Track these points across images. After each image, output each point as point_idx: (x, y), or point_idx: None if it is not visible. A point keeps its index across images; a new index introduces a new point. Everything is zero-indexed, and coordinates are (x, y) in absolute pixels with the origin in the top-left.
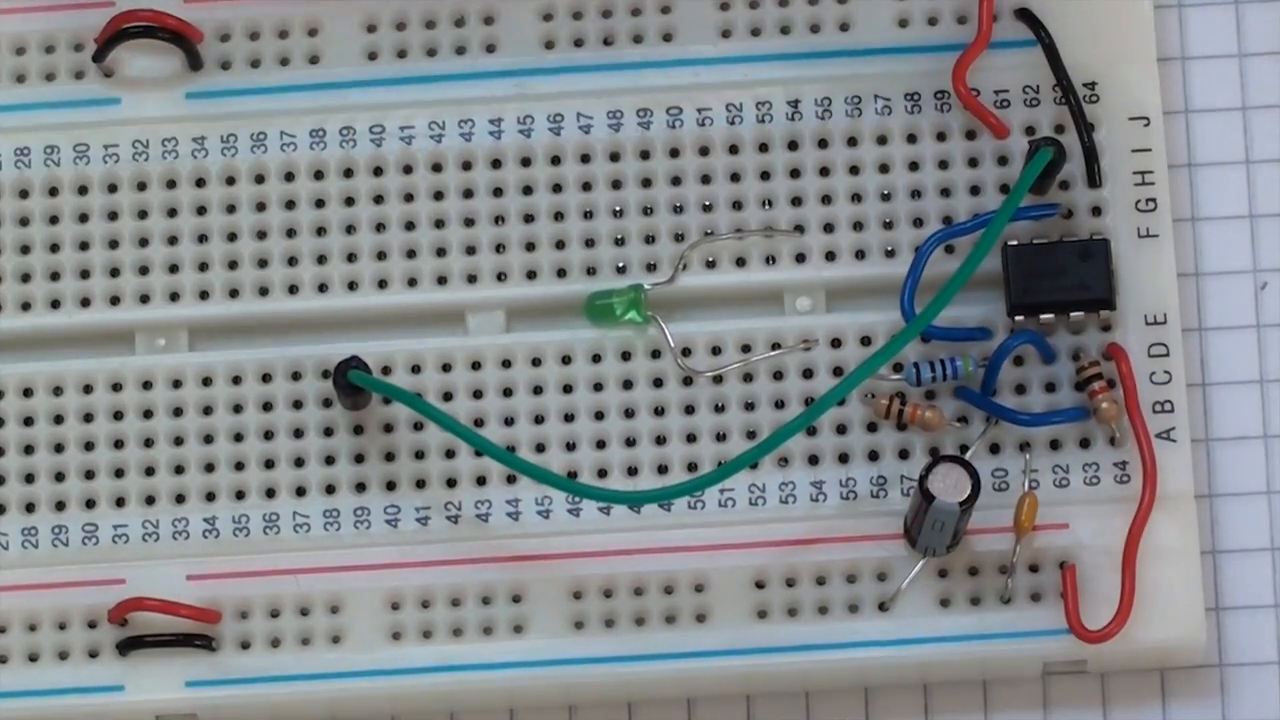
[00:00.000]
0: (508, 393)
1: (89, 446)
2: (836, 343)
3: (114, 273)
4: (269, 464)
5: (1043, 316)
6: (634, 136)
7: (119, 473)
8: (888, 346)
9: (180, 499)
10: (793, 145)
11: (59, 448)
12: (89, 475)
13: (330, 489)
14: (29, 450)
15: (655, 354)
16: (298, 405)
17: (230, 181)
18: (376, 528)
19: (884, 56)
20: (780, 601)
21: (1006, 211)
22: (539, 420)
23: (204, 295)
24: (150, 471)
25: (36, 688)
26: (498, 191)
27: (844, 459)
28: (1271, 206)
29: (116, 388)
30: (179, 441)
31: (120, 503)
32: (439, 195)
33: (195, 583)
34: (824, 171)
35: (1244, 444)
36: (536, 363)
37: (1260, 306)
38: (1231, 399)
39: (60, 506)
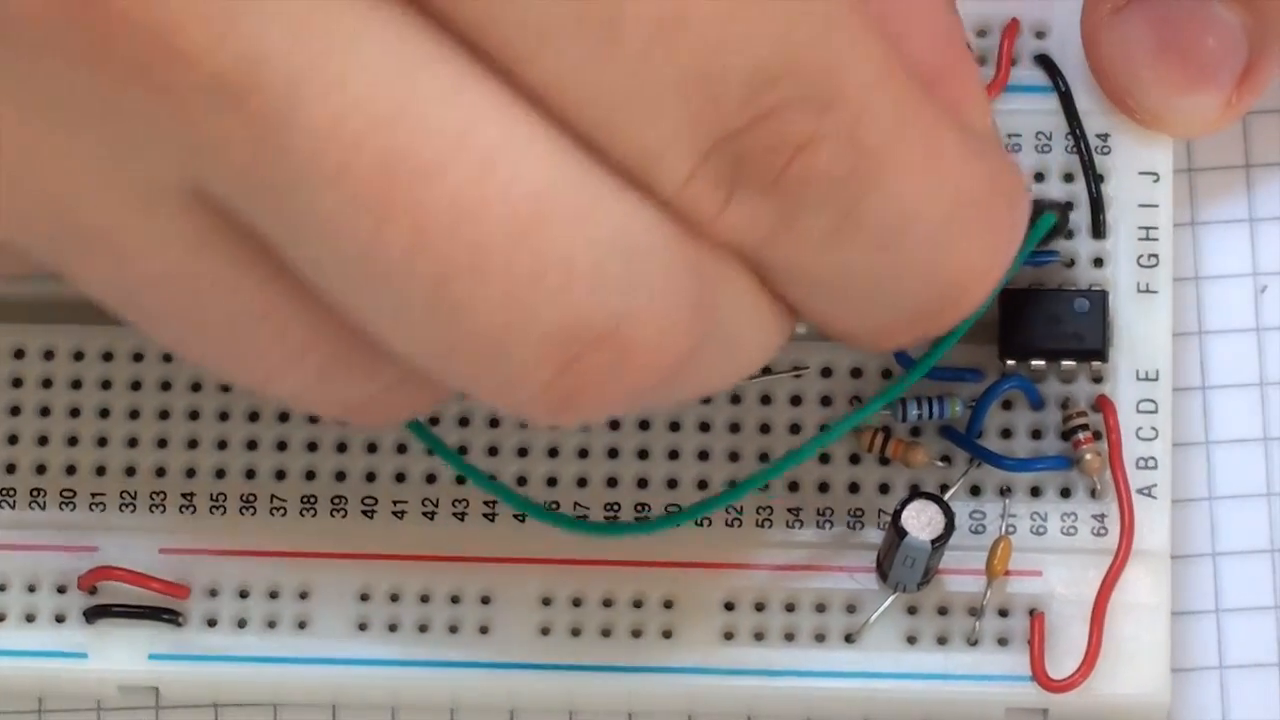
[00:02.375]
0: None
1: (75, 413)
2: (827, 372)
3: None
4: (252, 445)
5: (1034, 363)
6: None
7: (102, 441)
8: (881, 395)
9: (160, 473)
10: None
11: (45, 412)
12: (72, 442)
13: (310, 475)
14: (15, 412)
15: None
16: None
17: None
18: (352, 518)
19: None
20: (747, 625)
21: (1007, 275)
22: (523, 425)
23: None
24: (133, 443)
25: (1, 648)
26: None
27: (824, 489)
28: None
29: (108, 357)
30: (164, 415)
31: (100, 471)
32: None
33: (167, 556)
34: None
35: (1244, 445)
36: None
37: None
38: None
39: (41, 470)
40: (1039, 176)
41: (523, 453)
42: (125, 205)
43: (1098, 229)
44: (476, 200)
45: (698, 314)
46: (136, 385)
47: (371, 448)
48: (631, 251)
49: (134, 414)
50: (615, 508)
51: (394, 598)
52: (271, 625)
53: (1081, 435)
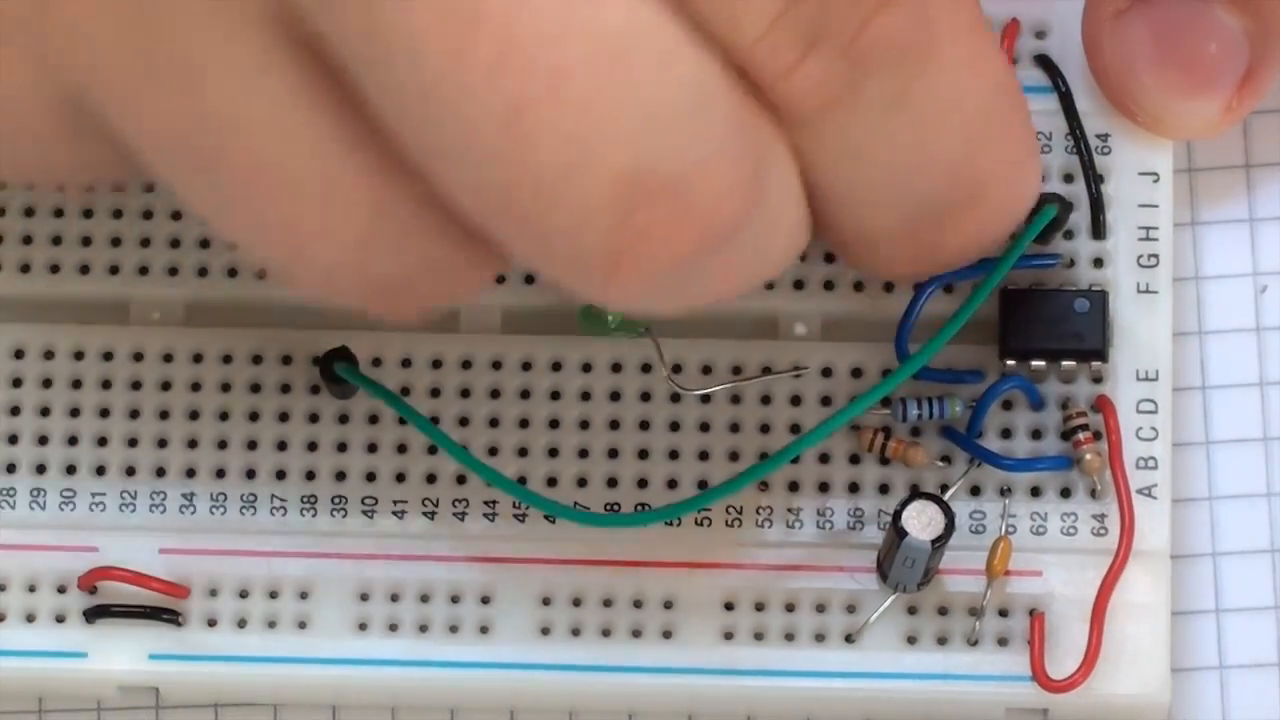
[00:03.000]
0: (495, 394)
1: (74, 413)
2: (828, 372)
3: (115, 243)
4: (252, 445)
5: (1034, 363)
6: None
7: (102, 441)
8: (877, 388)
9: (160, 473)
10: None
11: (45, 412)
12: (72, 441)
13: (310, 475)
14: (15, 412)
15: (646, 368)
16: (285, 390)
17: None
18: (352, 517)
19: None
20: (747, 625)
21: (1006, 264)
22: (524, 424)
23: (203, 273)
24: (133, 443)
25: (1, 648)
26: None
27: (824, 488)
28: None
29: (108, 357)
30: (164, 415)
31: (101, 471)
32: None
33: (167, 556)
34: None
35: (1244, 445)
36: (527, 367)
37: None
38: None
39: (41, 470)
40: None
41: (523, 453)
42: (214, 26)
43: (1098, 229)
44: (563, 26)
45: (755, 179)
46: (136, 385)
47: (371, 448)
48: (704, 103)
49: (134, 414)
50: (615, 507)
51: (394, 598)
52: (271, 625)
53: (1081, 435)
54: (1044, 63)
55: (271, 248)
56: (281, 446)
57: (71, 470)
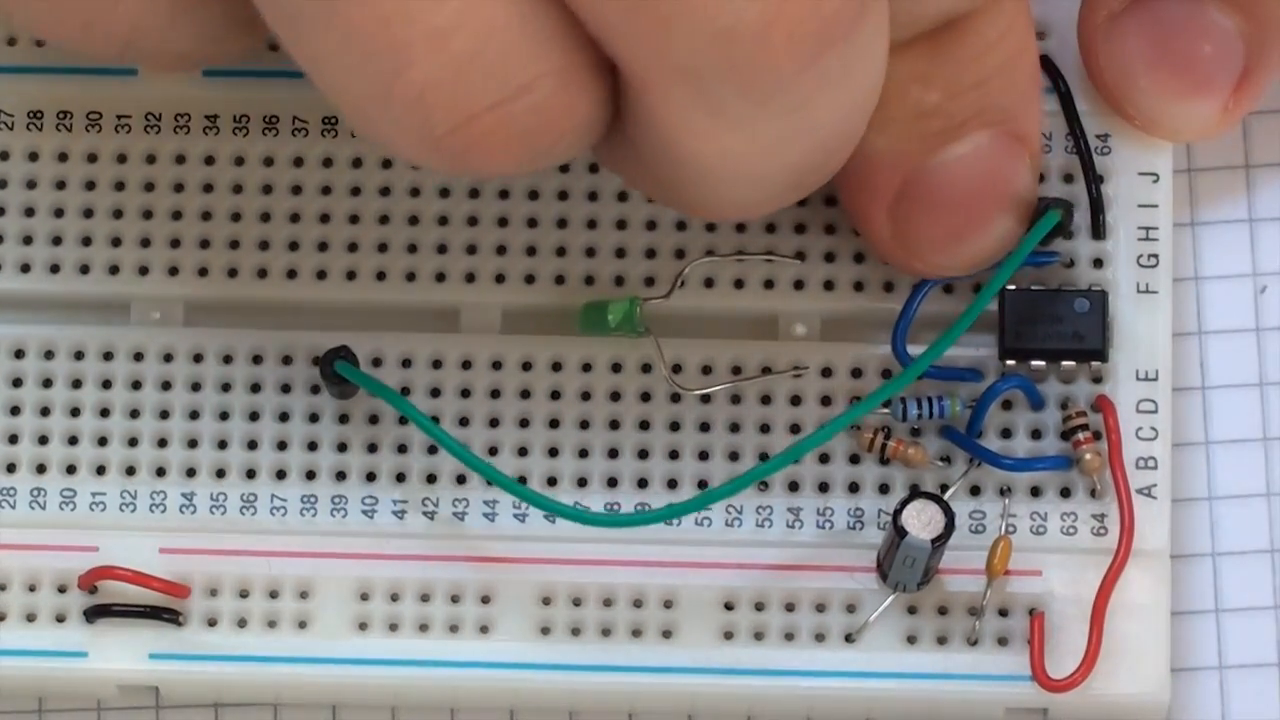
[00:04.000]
0: (495, 394)
1: (74, 412)
2: (827, 372)
3: (115, 243)
4: (252, 445)
5: (1034, 363)
6: None
7: (102, 441)
8: (878, 392)
9: (160, 472)
10: None
11: (45, 411)
12: (72, 441)
13: (310, 475)
14: (15, 412)
15: (646, 368)
16: (286, 389)
17: (239, 163)
18: (352, 517)
19: None
20: (747, 625)
21: (1009, 268)
22: (524, 424)
23: (203, 273)
24: (133, 443)
25: (2, 648)
26: (503, 194)
27: (824, 488)
28: (1273, 264)
29: (108, 356)
30: (164, 415)
31: (100, 471)
32: (445, 193)
33: (168, 556)
34: (829, 201)
35: (1244, 445)
36: (527, 367)
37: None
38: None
39: (41, 469)
40: (1039, 177)
41: (523, 452)
42: None
43: (1098, 229)
44: None
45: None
46: (136, 385)
47: (372, 447)
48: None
49: (134, 413)
50: (615, 507)
51: (394, 597)
52: (272, 625)
53: (1081, 435)
54: (1044, 63)
55: (364, 64)
56: (281, 446)
57: (72, 470)
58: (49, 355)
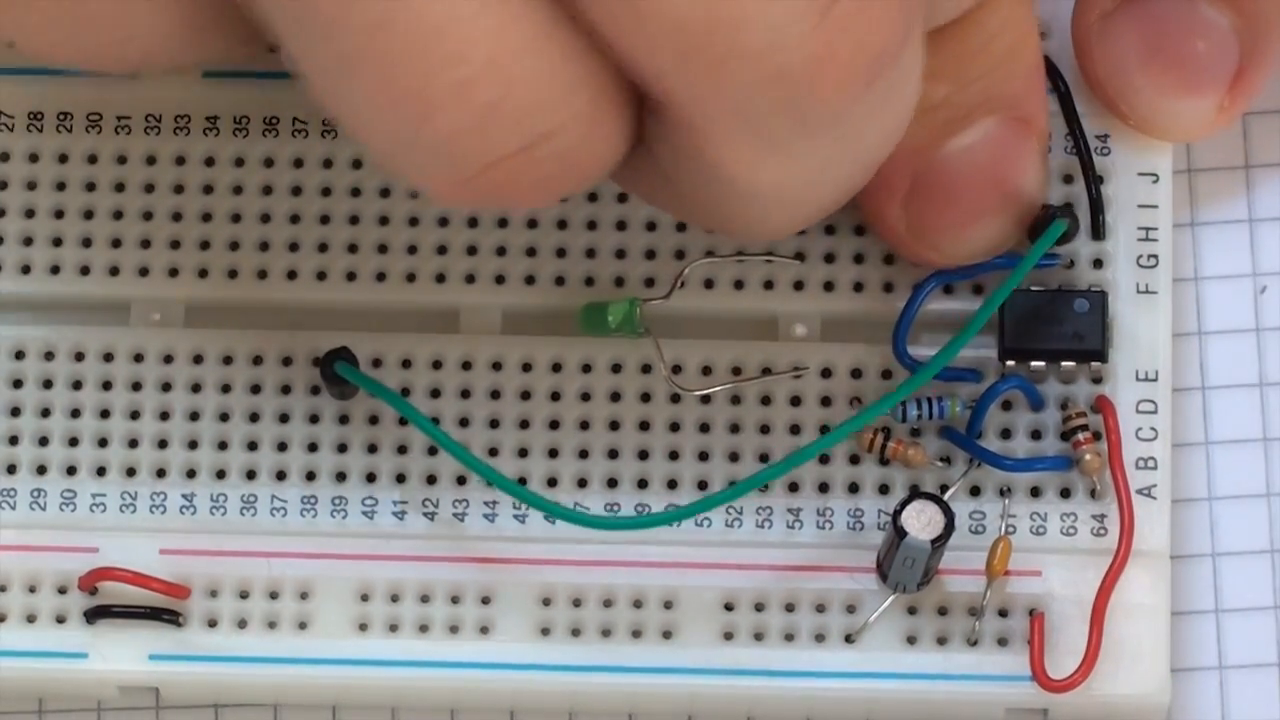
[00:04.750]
0: (495, 395)
1: (75, 414)
2: (827, 373)
3: (116, 244)
4: (252, 446)
5: (1034, 364)
6: None
7: (102, 442)
8: (882, 400)
9: (161, 473)
10: None
11: (45, 412)
12: (73, 442)
13: (310, 476)
14: (15, 413)
15: (646, 369)
16: (286, 390)
17: (239, 164)
18: (353, 518)
19: None
20: (747, 625)
21: (1015, 279)
22: (524, 425)
23: (203, 274)
24: (133, 444)
25: (2, 649)
26: None
27: (824, 489)
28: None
29: (108, 358)
30: (164, 416)
31: (101, 472)
32: None
33: (168, 557)
34: None
35: (1244, 446)
36: (527, 368)
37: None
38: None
39: (41, 471)
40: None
41: (523, 453)
42: None
43: (1097, 230)
44: None
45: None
46: (137, 386)
47: (372, 448)
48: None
49: (134, 414)
50: (615, 508)
51: (394, 598)
52: (272, 626)
53: (1081, 435)
54: (1044, 63)
55: (411, 74)
56: (282, 447)
57: (72, 471)
58: (49, 356)
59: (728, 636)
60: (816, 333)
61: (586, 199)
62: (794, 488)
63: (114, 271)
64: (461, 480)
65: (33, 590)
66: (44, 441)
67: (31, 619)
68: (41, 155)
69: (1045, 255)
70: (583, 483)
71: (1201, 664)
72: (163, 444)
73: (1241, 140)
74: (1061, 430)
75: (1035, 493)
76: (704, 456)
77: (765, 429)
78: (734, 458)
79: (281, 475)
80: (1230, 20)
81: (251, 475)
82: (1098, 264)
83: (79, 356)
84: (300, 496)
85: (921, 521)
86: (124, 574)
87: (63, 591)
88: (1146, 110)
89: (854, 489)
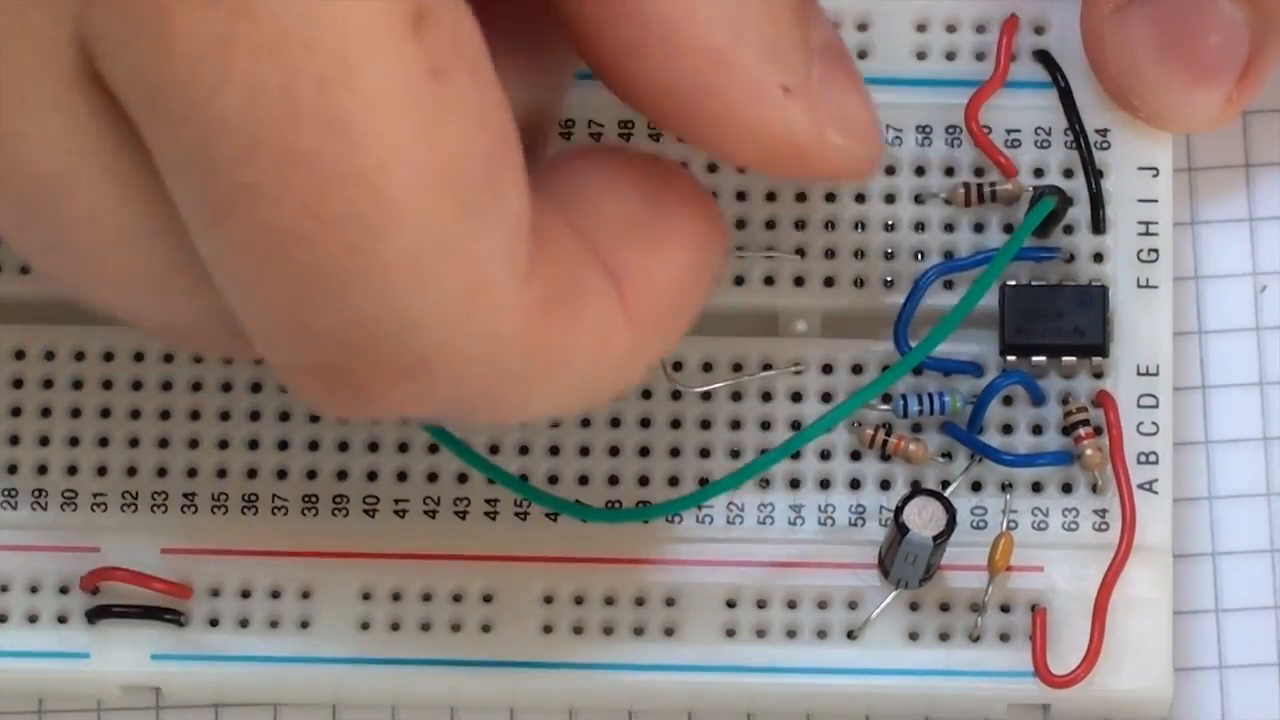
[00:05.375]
0: None
1: (76, 414)
2: (828, 368)
3: None
4: (253, 444)
5: (1035, 358)
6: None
7: (103, 442)
8: (877, 381)
9: (162, 473)
10: None
11: (46, 412)
12: (74, 442)
13: (311, 474)
14: (16, 413)
15: None
16: (286, 389)
17: None
18: (354, 517)
19: (899, 87)
20: (749, 622)
21: (1005, 256)
22: (522, 426)
23: None
24: (135, 443)
25: (3, 649)
26: None
27: (825, 485)
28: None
29: (109, 358)
30: (165, 416)
31: (102, 471)
32: None
33: (169, 556)
34: (830, 198)
35: (1244, 445)
36: None
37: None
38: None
39: (42, 470)
40: (1038, 172)
41: (524, 451)
42: (16, 61)
43: (1098, 224)
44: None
45: None
46: (138, 385)
47: (373, 447)
48: None
49: (135, 414)
50: (616, 504)
51: (396, 597)
52: (274, 625)
53: (1082, 430)
54: (1043, 58)
55: (67, 279)
56: (283, 446)
57: (73, 471)
58: (50, 357)
59: (730, 633)
60: (817, 329)
61: None
62: (795, 484)
63: None
64: (463, 478)
65: (34, 590)
66: (45, 441)
67: (33, 619)
68: None
69: (1045, 248)
70: (584, 480)
71: (1201, 664)
72: (164, 443)
73: (1241, 139)
74: (1063, 425)
75: (1037, 488)
76: (705, 453)
77: (766, 425)
78: (735, 454)
79: (283, 474)
80: (1244, 13)
81: (253, 474)
82: (1098, 258)
83: (80, 356)
84: (301, 495)
85: (923, 518)
86: (125, 574)
87: (64, 591)
88: (1157, 103)
89: (855, 485)
